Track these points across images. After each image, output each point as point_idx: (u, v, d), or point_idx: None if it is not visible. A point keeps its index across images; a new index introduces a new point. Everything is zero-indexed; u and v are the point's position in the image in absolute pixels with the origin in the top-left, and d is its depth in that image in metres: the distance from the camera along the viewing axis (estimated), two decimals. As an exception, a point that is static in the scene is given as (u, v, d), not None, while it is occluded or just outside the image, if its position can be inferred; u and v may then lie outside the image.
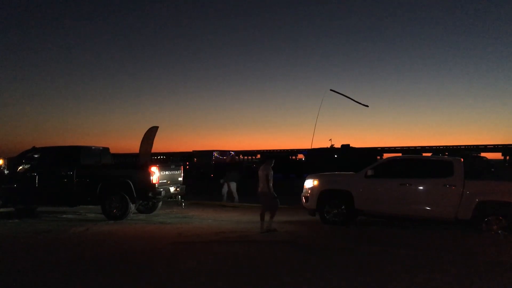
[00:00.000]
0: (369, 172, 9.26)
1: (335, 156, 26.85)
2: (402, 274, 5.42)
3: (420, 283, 5.09)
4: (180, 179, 11.95)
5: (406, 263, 6.00)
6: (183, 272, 5.57)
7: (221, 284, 5.05)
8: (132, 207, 10.62)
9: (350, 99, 15.90)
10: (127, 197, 10.37)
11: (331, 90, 15.46)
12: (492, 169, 21.63)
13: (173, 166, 11.74)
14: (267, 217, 8.52)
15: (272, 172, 8.54)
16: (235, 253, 6.72)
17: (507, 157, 59.88)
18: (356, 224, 9.54)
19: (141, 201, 11.10)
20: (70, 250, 7.18)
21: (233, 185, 14.16)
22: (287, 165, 32.93)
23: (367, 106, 16.31)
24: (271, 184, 8.41)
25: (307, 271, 5.61)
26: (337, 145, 28.58)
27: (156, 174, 10.45)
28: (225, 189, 14.26)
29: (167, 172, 11.15)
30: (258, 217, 8.65)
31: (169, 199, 11.44)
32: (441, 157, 11.45)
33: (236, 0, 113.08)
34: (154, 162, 10.89)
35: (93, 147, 11.97)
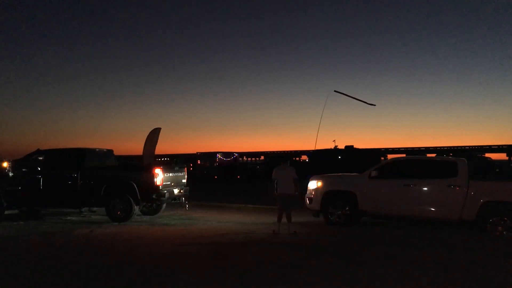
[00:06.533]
0: (373, 173, 9.25)
1: (339, 157, 26.73)
2: (407, 275, 5.40)
3: (425, 283, 5.07)
4: (184, 180, 11.97)
5: (411, 264, 5.97)
6: (188, 274, 5.57)
7: (227, 286, 5.05)
8: (136, 209, 10.65)
9: (356, 100, 15.81)
10: (131, 199, 10.40)
11: (335, 91, 15.40)
12: (497, 170, 21.49)
13: (177, 168, 11.77)
14: (284, 219, 8.56)
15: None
16: (240, 255, 6.72)
17: (512, 157, 59.56)
18: (360, 225, 9.52)
19: (145, 203, 11.13)
20: (73, 253, 7.19)
21: None
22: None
23: (374, 105, 16.20)
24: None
25: (311, 272, 5.60)
26: (341, 146, 28.46)
27: (160, 176, 10.48)
28: None
29: (171, 174, 11.18)
30: (261, 218, 8.66)
31: (173, 201, 11.46)
32: (445, 158, 11.39)
33: (241, 2, 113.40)
34: (157, 164, 10.88)
35: (97, 149, 12.01)
